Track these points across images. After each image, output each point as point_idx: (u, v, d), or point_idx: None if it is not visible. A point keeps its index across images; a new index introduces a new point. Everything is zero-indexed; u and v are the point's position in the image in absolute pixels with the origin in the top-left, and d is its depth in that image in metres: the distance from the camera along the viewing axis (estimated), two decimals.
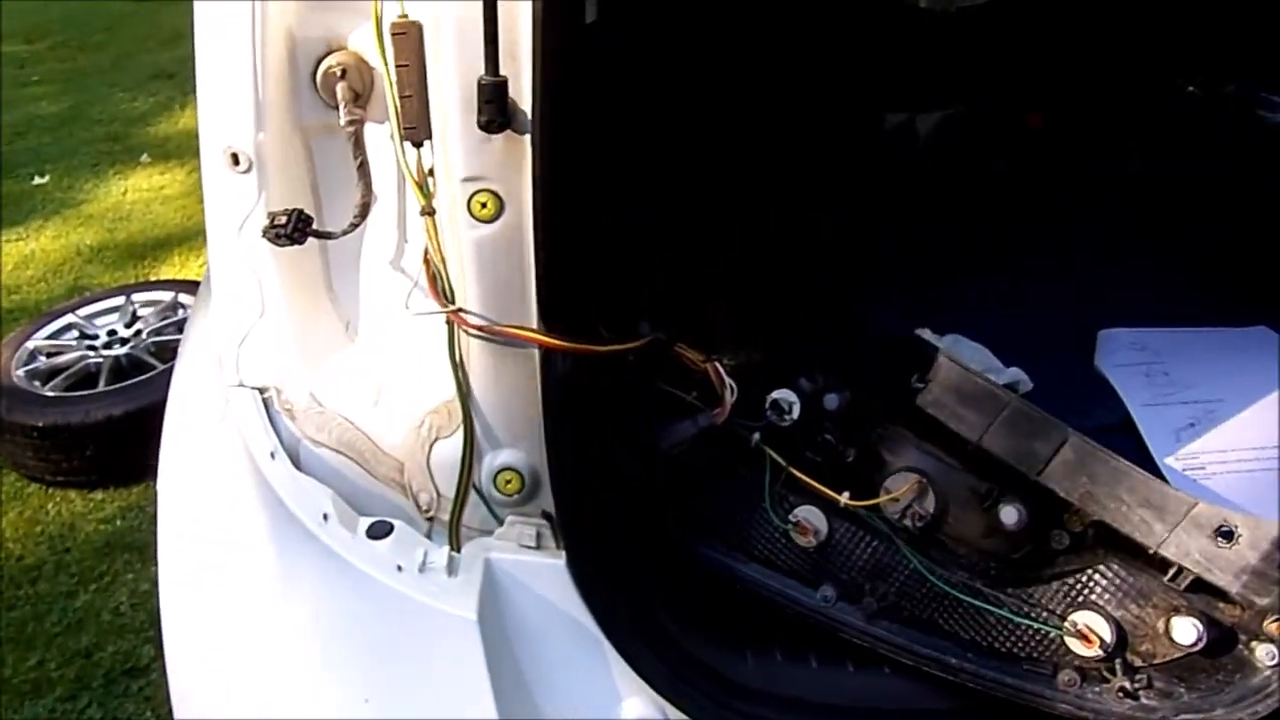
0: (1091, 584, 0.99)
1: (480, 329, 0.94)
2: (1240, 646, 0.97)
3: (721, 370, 1.06)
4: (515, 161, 0.89)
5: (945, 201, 1.69)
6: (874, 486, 1.07)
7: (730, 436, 1.09)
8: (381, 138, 1.04)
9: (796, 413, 1.13)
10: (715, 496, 1.07)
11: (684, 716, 1.00)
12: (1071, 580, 0.99)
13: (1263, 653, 0.96)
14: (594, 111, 0.97)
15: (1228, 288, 1.75)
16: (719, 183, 1.29)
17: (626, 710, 1.02)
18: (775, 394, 1.13)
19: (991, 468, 1.04)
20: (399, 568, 0.98)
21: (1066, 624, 0.98)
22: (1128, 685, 0.96)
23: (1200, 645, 0.95)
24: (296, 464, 1.06)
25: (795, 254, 1.31)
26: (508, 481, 0.99)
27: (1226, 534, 0.93)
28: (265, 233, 1.00)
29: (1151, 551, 0.97)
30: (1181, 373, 1.50)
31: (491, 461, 0.99)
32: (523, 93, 0.86)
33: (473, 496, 1.02)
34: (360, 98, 1.04)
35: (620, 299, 1.06)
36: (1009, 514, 1.02)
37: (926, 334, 1.46)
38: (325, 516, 1.00)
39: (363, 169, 1.05)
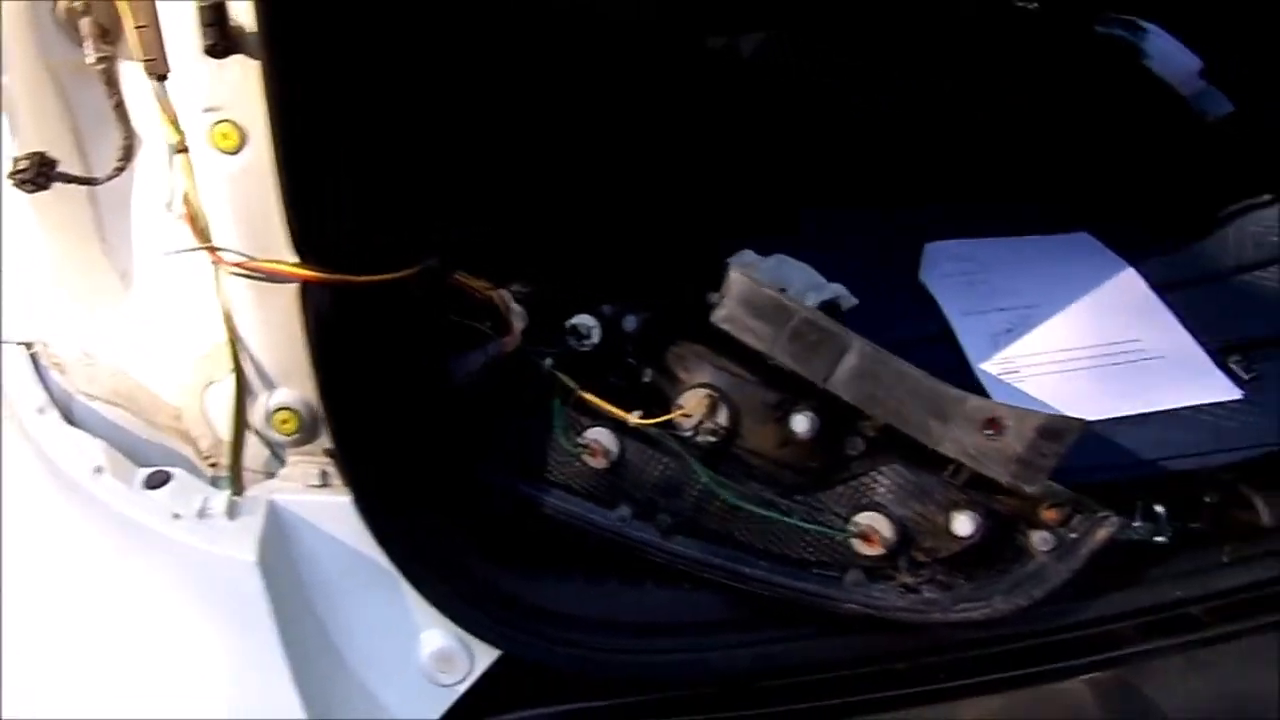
0: (877, 485, 1.00)
1: (237, 265, 0.91)
2: (1018, 536, 0.99)
3: (507, 298, 1.04)
4: (251, 88, 0.86)
5: (775, 124, 1.69)
6: (670, 405, 1.07)
7: (525, 364, 1.07)
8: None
9: (597, 336, 1.12)
10: (511, 424, 1.06)
11: (485, 644, 0.99)
12: (858, 484, 1.01)
13: (1037, 540, 0.98)
14: (341, 22, 0.93)
15: (1061, 198, 1.77)
16: (510, 101, 1.26)
17: (426, 641, 1.01)
18: (574, 319, 1.12)
19: (784, 379, 1.05)
20: (176, 516, 0.95)
21: (850, 525, 0.99)
22: (910, 580, 0.98)
23: (978, 537, 0.97)
24: (69, 419, 1.02)
25: (598, 174, 1.30)
26: (284, 421, 0.97)
27: (995, 427, 0.95)
28: (10, 179, 0.95)
29: (931, 449, 0.98)
30: (1002, 280, 1.53)
31: (267, 401, 0.97)
32: (248, 13, 0.83)
33: (255, 439, 1.00)
34: (109, 34, 0.99)
35: (397, 227, 1.04)
36: (800, 422, 1.03)
37: (748, 254, 1.46)
38: (98, 469, 0.97)
39: (120, 109, 1.00)
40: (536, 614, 1.01)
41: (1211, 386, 1.37)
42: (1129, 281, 1.54)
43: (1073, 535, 0.99)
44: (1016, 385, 1.37)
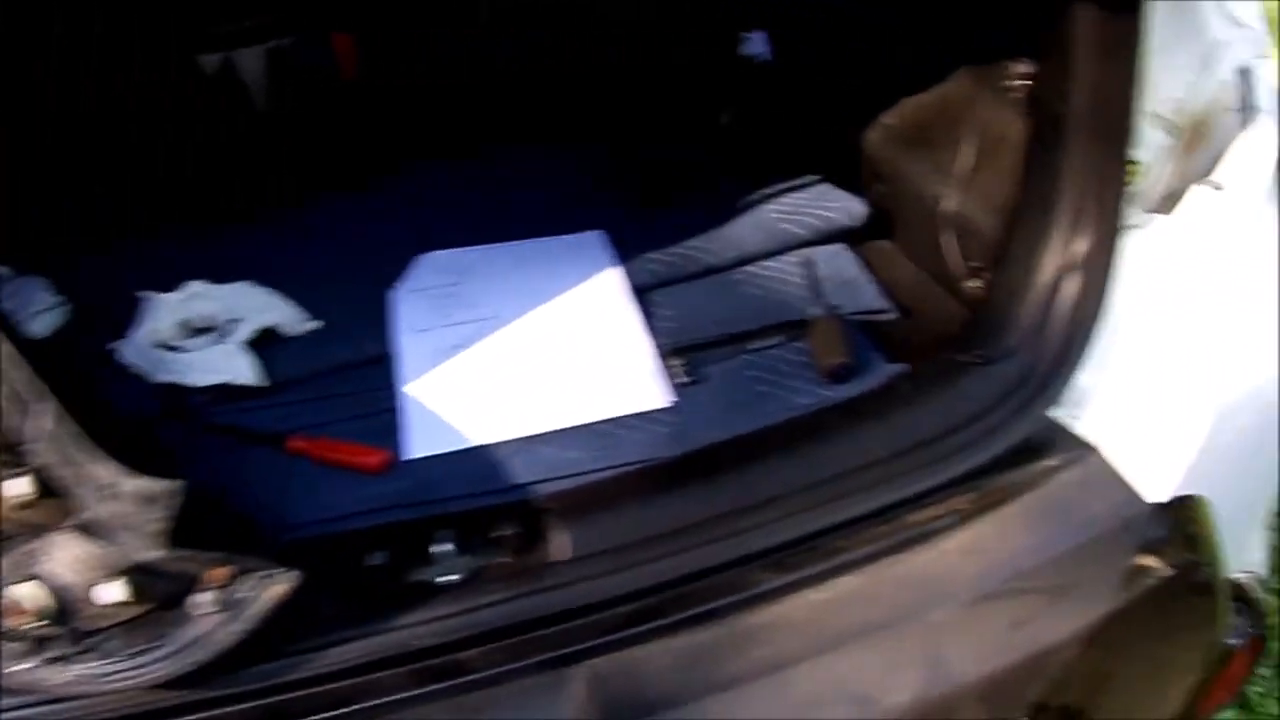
0: (48, 553, 0.97)
1: None
2: (189, 599, 0.96)
3: None
4: None
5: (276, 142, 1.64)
6: None
7: None
8: None
9: None
10: None
11: None
12: (30, 550, 0.98)
13: (203, 602, 0.95)
14: None
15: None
16: None
17: None
18: None
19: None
20: None
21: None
22: (67, 652, 0.95)
23: (135, 603, 0.94)
24: None
25: None
26: None
27: (106, 493, 0.92)
28: None
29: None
30: (475, 291, 1.48)
31: None
32: None
33: None
34: None
35: None
36: (11, 487, 1.00)
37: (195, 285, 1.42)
38: None
39: None
40: None
41: (643, 395, 1.32)
42: (608, 284, 1.48)
43: (242, 595, 0.95)
44: (437, 408, 1.33)
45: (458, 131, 1.69)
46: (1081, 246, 1.19)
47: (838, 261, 1.49)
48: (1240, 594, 1.39)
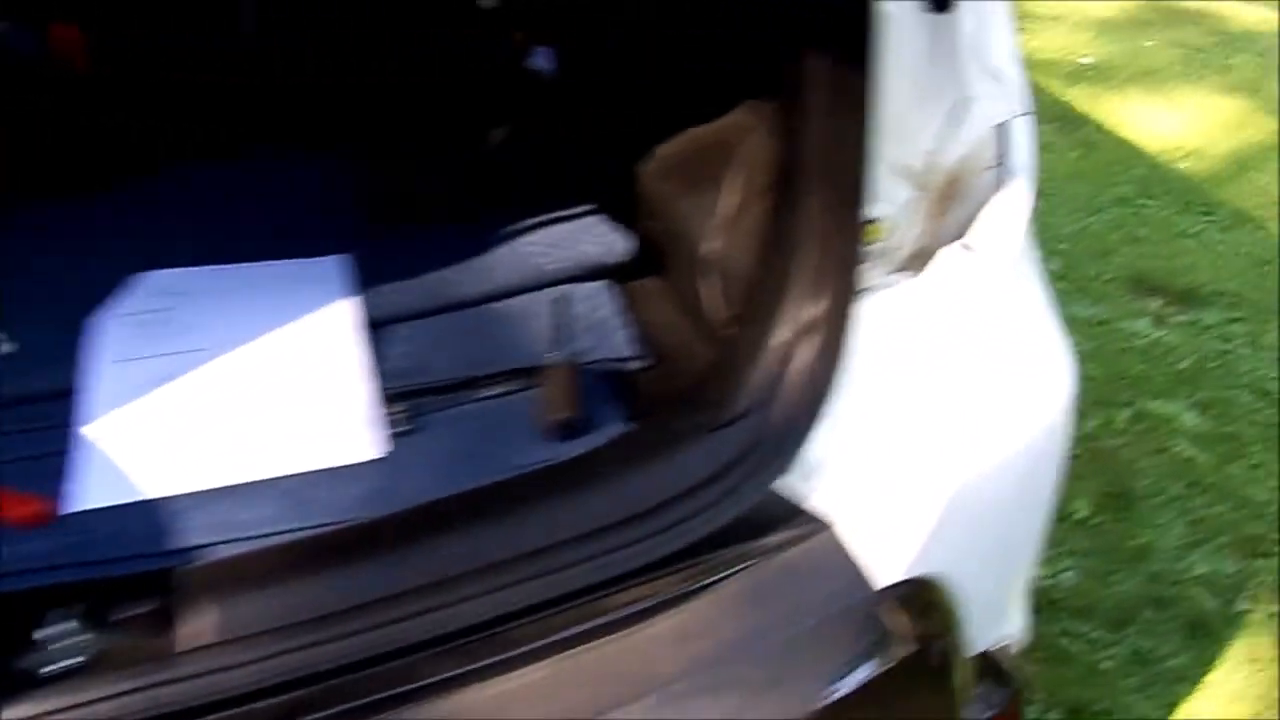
0: None
1: None
2: None
3: None
4: None
5: None
6: None
7: None
8: None
9: None
10: None
11: None
12: None
13: None
14: None
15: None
16: None
17: None
18: None
19: None
20: None
21: None
22: None
23: None
24: None
25: None
26: None
27: None
28: None
29: None
30: (194, 318, 1.32)
31: None
32: None
33: None
34: None
35: None
36: None
37: None
38: None
39: None
40: None
41: (351, 446, 1.18)
42: (337, 317, 1.34)
43: None
44: (118, 453, 1.18)
45: (205, 135, 1.53)
46: (818, 306, 1.10)
47: (594, 301, 1.38)
48: (991, 666, 1.33)
